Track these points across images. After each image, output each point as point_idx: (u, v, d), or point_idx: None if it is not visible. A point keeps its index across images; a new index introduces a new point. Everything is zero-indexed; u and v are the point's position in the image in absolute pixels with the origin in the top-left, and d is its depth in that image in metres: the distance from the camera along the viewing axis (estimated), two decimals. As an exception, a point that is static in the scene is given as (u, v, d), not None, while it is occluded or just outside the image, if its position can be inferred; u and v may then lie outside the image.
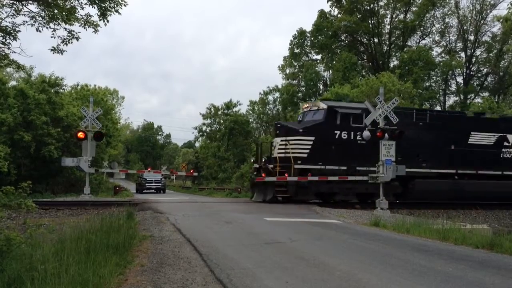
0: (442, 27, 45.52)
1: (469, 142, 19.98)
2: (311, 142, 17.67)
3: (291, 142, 17.70)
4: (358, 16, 44.48)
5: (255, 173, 19.96)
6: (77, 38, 11.41)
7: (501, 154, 20.48)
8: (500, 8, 72.31)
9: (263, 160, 19.15)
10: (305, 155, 17.62)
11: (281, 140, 18.12)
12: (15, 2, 10.78)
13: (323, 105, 18.55)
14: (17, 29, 10.89)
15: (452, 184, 19.21)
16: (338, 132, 18.06)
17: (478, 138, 20.16)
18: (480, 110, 33.34)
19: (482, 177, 19.67)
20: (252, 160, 21.05)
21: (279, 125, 19.91)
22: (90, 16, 11.25)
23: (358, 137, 17.94)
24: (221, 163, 42.56)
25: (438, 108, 44.92)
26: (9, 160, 22.46)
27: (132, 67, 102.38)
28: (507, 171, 20.27)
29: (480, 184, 19.48)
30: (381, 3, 45.19)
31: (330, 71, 46.52)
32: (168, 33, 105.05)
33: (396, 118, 16.12)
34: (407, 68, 41.28)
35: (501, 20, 37.98)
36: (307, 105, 19.99)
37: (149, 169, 38.40)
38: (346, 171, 17.83)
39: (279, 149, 18.12)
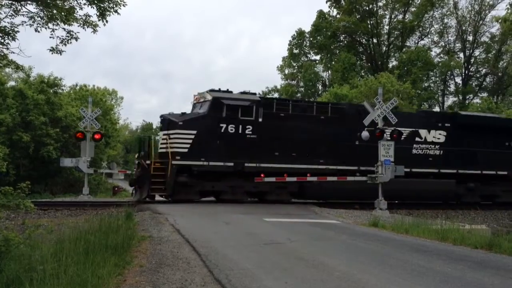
0: (441, 27, 45.64)
1: None
2: (192, 136, 16.24)
3: (171, 136, 16.33)
4: (357, 17, 44.53)
5: (134, 169, 18.30)
6: (76, 39, 11.41)
7: (412, 150, 19.01)
8: (499, 9, 72.28)
9: (140, 155, 17.59)
10: (186, 150, 16.17)
11: (164, 134, 16.83)
12: (13, 3, 10.77)
13: (208, 96, 17.03)
14: (15, 29, 10.89)
15: (353, 182, 17.72)
16: (224, 126, 16.59)
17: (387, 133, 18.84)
18: (478, 111, 33.40)
19: None
20: (136, 156, 18.97)
21: (162, 118, 18.38)
22: (89, 16, 11.25)
23: (248, 131, 16.77)
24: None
25: (437, 108, 45.00)
26: (8, 160, 22.45)
27: (132, 67, 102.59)
28: (418, 168, 18.67)
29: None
30: (380, 4, 45.29)
31: (329, 71, 46.58)
32: (168, 33, 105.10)
33: (395, 118, 16.08)
34: (406, 68, 41.34)
35: (499, 21, 37.93)
36: (197, 96, 18.37)
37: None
38: (234, 168, 16.55)
39: (161, 143, 16.84)
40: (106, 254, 6.37)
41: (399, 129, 17.37)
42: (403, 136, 18.40)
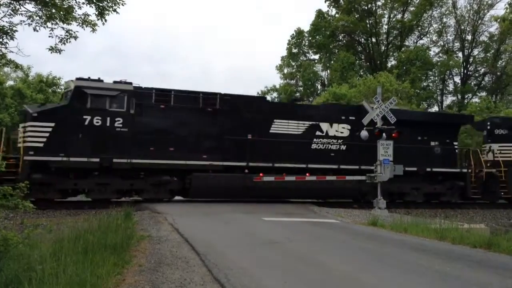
0: (440, 27, 45.62)
1: (271, 131, 17.16)
2: (49, 129, 14.75)
3: (26, 129, 14.87)
4: (356, 16, 44.51)
5: None
6: (75, 38, 11.43)
7: (312, 145, 17.57)
8: (498, 8, 72.37)
9: None
10: (41, 145, 14.63)
11: (21, 127, 15.40)
12: (12, 2, 10.77)
13: (72, 85, 15.53)
14: (14, 28, 10.90)
15: (241, 179, 16.41)
16: (88, 118, 15.06)
17: (284, 126, 17.37)
18: (477, 110, 33.38)
19: (281, 170, 16.89)
20: None
21: (21, 110, 17.02)
22: (88, 15, 11.27)
23: (117, 124, 15.34)
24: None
25: (436, 108, 44.99)
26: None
27: (131, 67, 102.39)
28: (317, 164, 17.27)
29: (278, 179, 16.68)
30: (379, 3, 45.24)
31: (328, 71, 46.57)
32: (167, 33, 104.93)
33: (394, 117, 16.02)
34: (404, 68, 41.35)
35: (498, 20, 37.99)
36: (65, 86, 16.49)
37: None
38: (100, 164, 15.02)
39: (19, 137, 15.41)
40: (105, 254, 6.36)
41: (298, 122, 17.09)
42: (301, 130, 17.47)
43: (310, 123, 17.71)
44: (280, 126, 17.38)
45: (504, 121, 22.00)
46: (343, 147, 18.04)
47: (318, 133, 17.81)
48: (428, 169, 18.78)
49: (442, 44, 46.26)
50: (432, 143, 19.40)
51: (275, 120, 17.33)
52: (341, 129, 18.11)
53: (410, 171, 17.88)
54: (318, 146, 17.77)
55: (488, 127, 21.81)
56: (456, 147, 20.28)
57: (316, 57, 48.92)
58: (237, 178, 16.47)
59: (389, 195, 18.27)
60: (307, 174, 17.18)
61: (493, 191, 20.08)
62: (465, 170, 19.56)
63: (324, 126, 17.86)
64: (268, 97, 47.94)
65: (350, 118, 18.32)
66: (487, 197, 20.19)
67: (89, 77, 15.80)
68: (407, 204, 18.62)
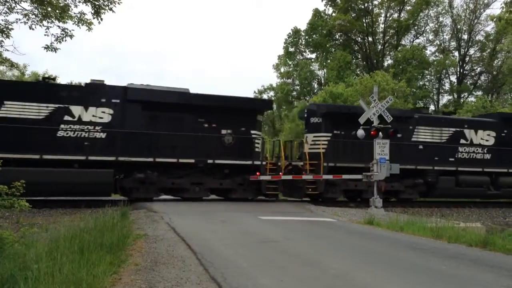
0: (436, 26, 45.72)
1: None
2: None
3: None
4: (353, 15, 44.56)
5: None
6: (71, 36, 11.42)
7: (58, 132, 14.88)
8: (494, 7, 72.53)
9: None
10: None
11: None
12: (8, 0, 10.75)
13: None
14: (10, 27, 10.88)
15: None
16: None
17: (18, 110, 14.58)
18: (473, 109, 33.37)
19: (43, 163, 14.43)
20: None
21: None
22: (84, 14, 11.26)
23: None
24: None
25: (432, 107, 44.99)
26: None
27: (129, 66, 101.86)
28: (59, 154, 14.63)
29: (30, 172, 13.36)
30: (375, 2, 45.28)
31: (325, 70, 46.58)
32: (165, 32, 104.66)
33: (391, 117, 15.99)
34: (401, 67, 41.41)
35: (494, 19, 38.04)
36: None
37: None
38: None
39: None
40: (101, 253, 6.35)
41: (40, 104, 14.62)
42: (44, 114, 14.84)
43: (57, 106, 14.98)
44: (12, 110, 14.59)
45: (318, 109, 18.95)
46: (102, 135, 15.44)
47: (67, 118, 15.12)
48: (210, 161, 16.39)
49: (438, 43, 46.40)
50: (224, 131, 16.90)
51: (5, 102, 14.51)
52: (101, 114, 15.50)
53: (186, 163, 16.10)
54: (67, 133, 15.06)
55: (305, 116, 19.39)
56: (255, 136, 17.36)
57: (313, 56, 48.94)
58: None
59: (161, 190, 16.60)
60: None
61: (299, 186, 17.57)
62: (258, 163, 16.97)
63: (77, 110, 15.20)
64: (265, 96, 47.92)
65: (113, 101, 15.75)
66: (289, 194, 18.16)
67: None
68: (403, 203, 18.62)
